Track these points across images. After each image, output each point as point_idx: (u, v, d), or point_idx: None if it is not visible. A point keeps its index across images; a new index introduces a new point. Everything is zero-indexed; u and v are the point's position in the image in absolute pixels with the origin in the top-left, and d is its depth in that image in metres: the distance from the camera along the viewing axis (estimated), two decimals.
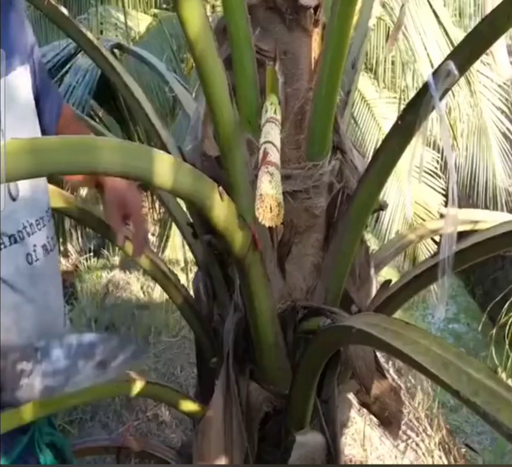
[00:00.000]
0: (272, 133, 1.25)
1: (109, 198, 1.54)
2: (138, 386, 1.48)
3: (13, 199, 1.30)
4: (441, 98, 1.17)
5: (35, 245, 1.36)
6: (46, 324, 1.40)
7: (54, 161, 0.83)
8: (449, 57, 1.16)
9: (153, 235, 5.97)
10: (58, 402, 1.30)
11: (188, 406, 1.64)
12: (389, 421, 1.77)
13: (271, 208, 1.09)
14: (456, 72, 1.12)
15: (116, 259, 5.97)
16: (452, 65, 1.12)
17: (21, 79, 1.34)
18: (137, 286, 5.54)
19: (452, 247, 1.17)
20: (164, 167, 0.98)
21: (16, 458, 1.37)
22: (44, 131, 1.46)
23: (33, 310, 1.36)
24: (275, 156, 1.18)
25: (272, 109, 1.35)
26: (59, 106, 1.58)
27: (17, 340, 1.33)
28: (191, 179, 1.06)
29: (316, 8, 1.50)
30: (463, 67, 1.16)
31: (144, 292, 5.45)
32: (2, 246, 1.28)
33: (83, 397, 1.42)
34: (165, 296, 5.00)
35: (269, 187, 1.10)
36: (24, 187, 1.32)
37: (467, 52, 1.16)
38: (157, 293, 5.32)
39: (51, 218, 1.45)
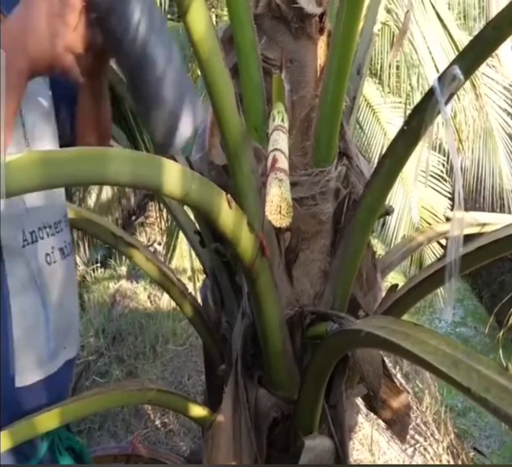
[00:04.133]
0: (280, 141, 1.26)
1: None
2: (147, 394, 1.48)
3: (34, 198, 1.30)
4: (446, 103, 1.17)
5: (53, 247, 1.36)
6: (60, 327, 1.40)
7: (66, 173, 0.84)
8: (454, 61, 1.17)
9: (160, 244, 5.99)
10: (69, 413, 1.30)
11: (198, 413, 1.64)
12: (397, 425, 1.77)
13: (280, 209, 1.10)
14: (462, 76, 1.13)
15: (123, 269, 5.98)
16: (457, 70, 1.12)
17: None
18: (144, 295, 5.55)
19: (458, 250, 1.17)
20: (173, 176, 0.99)
21: (38, 463, 1.38)
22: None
23: (49, 311, 1.36)
24: (283, 163, 1.19)
25: (279, 117, 1.36)
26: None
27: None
28: (200, 187, 1.07)
29: (321, 16, 1.51)
30: (469, 71, 1.17)
31: (151, 302, 5.46)
32: (25, 243, 1.28)
33: (94, 407, 1.43)
34: (172, 304, 5.03)
35: (278, 191, 1.11)
36: None
37: (472, 56, 1.17)
38: (164, 302, 5.33)
39: (68, 224, 1.45)
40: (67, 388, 1.50)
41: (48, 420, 1.24)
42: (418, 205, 4.49)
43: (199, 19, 1.10)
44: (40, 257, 1.32)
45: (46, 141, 1.34)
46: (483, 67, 4.37)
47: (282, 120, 1.35)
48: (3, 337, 1.27)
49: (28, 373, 1.33)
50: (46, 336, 1.36)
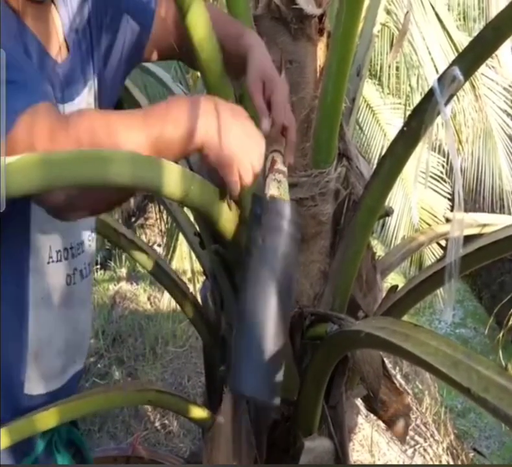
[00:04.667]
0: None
1: (254, 68, 1.26)
2: (147, 395, 1.48)
3: None
4: (446, 104, 1.17)
5: (75, 268, 1.37)
6: (72, 345, 1.43)
7: (66, 175, 0.84)
8: (454, 62, 1.17)
9: (159, 245, 5.98)
10: (68, 411, 1.30)
11: (198, 414, 1.64)
12: (396, 426, 1.77)
13: None
14: (461, 77, 1.13)
15: (123, 271, 5.98)
16: (457, 71, 1.13)
17: (87, 100, 1.32)
18: (143, 297, 5.54)
19: (458, 251, 1.17)
20: (173, 178, 0.99)
21: (34, 460, 1.38)
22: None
23: (64, 330, 1.38)
24: (282, 164, 1.19)
25: None
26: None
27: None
28: (200, 189, 1.07)
29: (321, 17, 1.51)
30: (468, 72, 1.17)
31: (151, 303, 5.46)
32: (50, 260, 1.29)
33: (93, 407, 1.43)
34: (172, 306, 5.02)
35: (277, 193, 1.11)
36: None
37: (472, 57, 1.17)
38: (164, 304, 5.32)
39: (93, 243, 1.44)
40: None
41: (46, 418, 1.24)
42: (417, 206, 4.49)
43: (200, 21, 1.10)
44: (61, 277, 1.33)
45: None
46: (482, 68, 4.37)
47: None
48: (18, 343, 1.30)
49: (36, 384, 1.35)
50: (58, 353, 1.38)
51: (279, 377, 1.15)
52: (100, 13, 1.33)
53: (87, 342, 1.53)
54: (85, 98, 1.32)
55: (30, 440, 1.36)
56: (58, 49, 1.25)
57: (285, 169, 1.19)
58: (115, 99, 1.47)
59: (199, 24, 1.10)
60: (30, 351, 1.31)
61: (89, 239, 1.43)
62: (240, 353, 1.14)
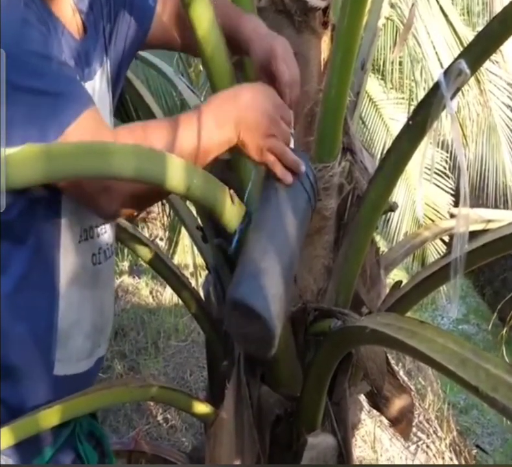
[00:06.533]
0: None
1: (256, 51, 1.29)
2: (150, 391, 1.48)
3: None
4: (452, 98, 1.16)
5: (100, 248, 1.37)
6: (98, 327, 1.43)
7: (69, 166, 0.84)
8: (460, 56, 1.16)
9: (162, 239, 5.97)
10: (72, 409, 1.30)
11: (200, 409, 1.64)
12: (399, 422, 1.77)
13: None
14: (468, 71, 1.12)
15: (125, 265, 5.98)
16: (463, 64, 1.11)
17: (100, 82, 1.35)
18: (146, 291, 5.55)
19: (463, 247, 1.16)
20: (176, 171, 0.98)
21: (56, 452, 1.39)
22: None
23: (91, 311, 1.39)
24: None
25: None
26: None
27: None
28: (203, 182, 1.07)
29: (325, 10, 1.49)
30: (474, 66, 1.16)
31: (153, 297, 5.46)
32: (81, 239, 1.30)
33: (97, 403, 1.42)
34: (174, 300, 5.02)
35: None
36: None
37: (478, 51, 1.16)
38: (166, 298, 5.33)
39: (113, 227, 1.44)
40: (93, 383, 1.50)
41: (50, 416, 1.24)
42: (421, 201, 4.49)
43: (204, 15, 1.10)
44: (88, 256, 1.34)
45: None
46: (486, 63, 4.35)
47: None
48: (48, 323, 1.31)
49: (65, 365, 1.35)
50: (86, 335, 1.39)
51: (277, 294, 1.14)
52: None
53: (110, 326, 1.52)
54: (99, 79, 1.33)
55: (53, 432, 1.36)
56: (76, 28, 1.27)
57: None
58: (119, 90, 1.47)
59: (203, 17, 1.10)
60: (61, 331, 1.31)
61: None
62: (240, 264, 1.18)
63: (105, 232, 1.39)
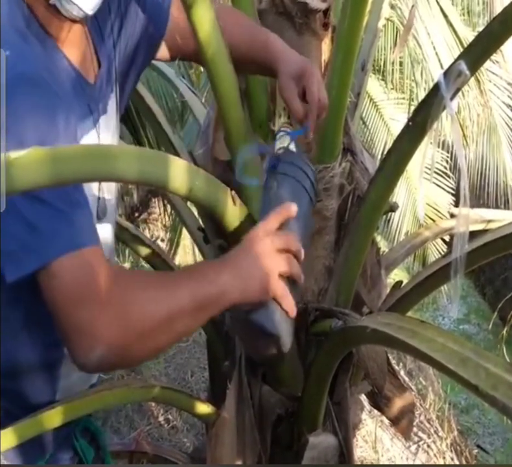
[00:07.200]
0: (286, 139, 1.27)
1: (284, 71, 1.32)
2: (152, 391, 1.48)
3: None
4: (452, 98, 1.17)
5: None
6: None
7: (75, 169, 0.84)
8: (460, 56, 1.16)
9: (163, 240, 5.97)
10: (74, 410, 1.30)
11: (202, 410, 1.64)
12: (400, 422, 1.77)
13: None
14: (467, 72, 1.12)
15: (126, 266, 5.97)
16: (463, 65, 1.12)
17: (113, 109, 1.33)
18: None
19: (464, 247, 1.17)
20: (179, 173, 0.99)
21: (55, 451, 1.39)
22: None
23: None
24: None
25: (285, 114, 1.36)
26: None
27: None
28: (205, 184, 1.07)
29: (326, 11, 1.50)
30: (474, 67, 1.17)
31: None
32: None
33: (99, 405, 1.42)
34: None
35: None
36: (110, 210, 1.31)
37: (478, 52, 1.17)
38: None
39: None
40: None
41: (53, 417, 1.24)
42: (422, 201, 4.49)
43: (205, 17, 1.10)
44: None
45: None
46: (486, 63, 4.35)
47: (288, 116, 1.35)
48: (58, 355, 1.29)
49: (65, 393, 1.34)
50: None
51: None
52: (119, 14, 1.33)
53: None
54: (112, 105, 1.32)
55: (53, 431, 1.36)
56: (91, 68, 1.25)
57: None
58: (126, 102, 1.47)
59: (204, 19, 1.10)
60: (65, 364, 1.30)
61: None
62: None
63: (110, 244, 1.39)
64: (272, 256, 1.11)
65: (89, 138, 1.20)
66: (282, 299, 1.12)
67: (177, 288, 1.06)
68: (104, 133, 1.26)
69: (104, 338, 0.99)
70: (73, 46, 1.17)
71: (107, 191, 1.28)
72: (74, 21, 1.12)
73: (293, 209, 1.14)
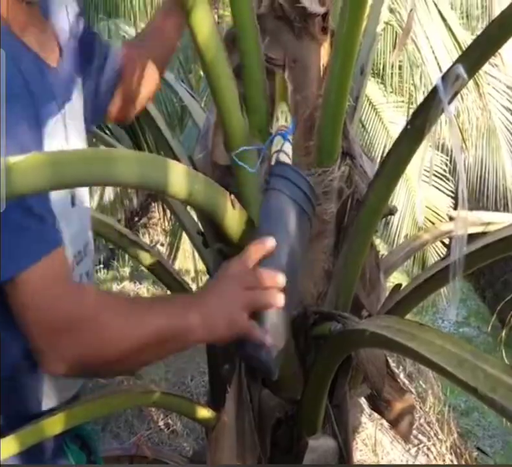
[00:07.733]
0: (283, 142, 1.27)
1: None
2: (152, 397, 1.48)
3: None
4: (450, 102, 1.17)
5: (87, 271, 1.37)
6: None
7: (73, 174, 0.84)
8: (458, 60, 1.16)
9: (162, 245, 5.97)
10: (75, 417, 1.30)
11: (202, 414, 1.64)
12: (400, 425, 1.77)
13: None
14: (465, 75, 1.12)
15: (126, 271, 5.98)
16: (461, 69, 1.12)
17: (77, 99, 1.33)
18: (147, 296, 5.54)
19: (462, 249, 1.17)
20: (179, 177, 0.99)
21: (52, 456, 1.39)
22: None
23: None
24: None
25: (283, 118, 1.36)
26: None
27: None
28: (204, 188, 1.07)
29: (325, 16, 1.50)
30: (473, 70, 1.17)
31: None
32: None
33: (99, 411, 1.42)
34: None
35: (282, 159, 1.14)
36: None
37: (477, 55, 1.17)
38: None
39: (89, 254, 1.42)
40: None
41: (54, 425, 1.24)
42: (421, 204, 4.49)
43: (204, 21, 1.10)
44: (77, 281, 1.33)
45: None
46: (485, 66, 4.36)
47: (286, 120, 1.35)
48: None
49: (50, 398, 1.33)
50: None
51: (279, 324, 1.19)
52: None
53: None
54: (76, 99, 1.32)
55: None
56: (52, 50, 1.25)
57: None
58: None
59: (203, 23, 1.10)
60: None
61: (92, 238, 1.43)
62: None
63: (89, 252, 1.39)
64: (237, 295, 1.14)
65: (56, 125, 1.19)
66: (251, 335, 1.14)
67: (146, 318, 1.10)
68: (70, 120, 1.25)
69: (64, 359, 1.08)
70: (29, 30, 1.16)
71: None
72: (29, 2, 1.14)
73: (269, 244, 1.14)
